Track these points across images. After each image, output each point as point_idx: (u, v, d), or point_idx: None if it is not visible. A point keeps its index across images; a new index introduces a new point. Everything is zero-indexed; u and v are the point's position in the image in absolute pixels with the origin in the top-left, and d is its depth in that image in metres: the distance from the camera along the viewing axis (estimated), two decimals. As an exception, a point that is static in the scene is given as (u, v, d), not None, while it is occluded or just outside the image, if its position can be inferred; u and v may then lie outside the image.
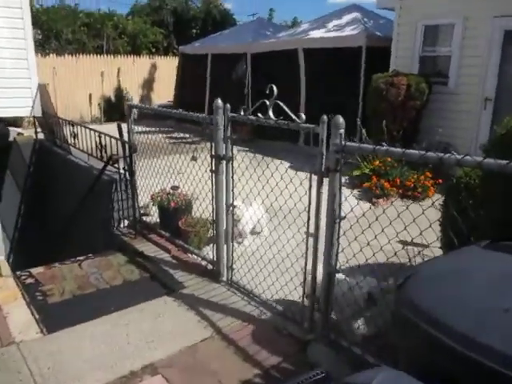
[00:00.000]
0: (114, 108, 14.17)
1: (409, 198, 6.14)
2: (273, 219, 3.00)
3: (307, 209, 2.99)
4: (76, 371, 2.89)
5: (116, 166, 5.02)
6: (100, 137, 5.43)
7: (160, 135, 7.66)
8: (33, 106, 7.18)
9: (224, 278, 3.98)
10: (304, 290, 3.16)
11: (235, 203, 4.31)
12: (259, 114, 3.23)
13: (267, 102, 3.11)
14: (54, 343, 3.17)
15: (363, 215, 3.87)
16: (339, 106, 8.56)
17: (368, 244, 2.77)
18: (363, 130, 7.19)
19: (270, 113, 3.13)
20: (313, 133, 2.85)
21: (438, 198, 3.67)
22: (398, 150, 2.36)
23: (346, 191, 2.45)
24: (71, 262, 4.34)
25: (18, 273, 4.29)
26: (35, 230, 7.25)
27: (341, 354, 2.94)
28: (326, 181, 2.79)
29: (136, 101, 15.50)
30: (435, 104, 7.60)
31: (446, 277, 1.68)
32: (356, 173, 6.78)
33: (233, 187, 3.70)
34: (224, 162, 3.64)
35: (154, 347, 3.13)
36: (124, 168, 4.86)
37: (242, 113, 3.38)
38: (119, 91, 15.02)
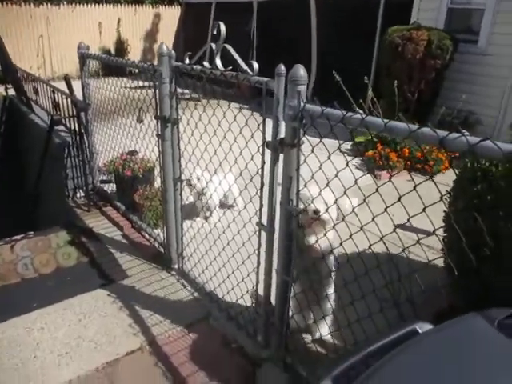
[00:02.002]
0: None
1: (418, 171, 5.27)
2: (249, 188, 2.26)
3: (259, 193, 2.21)
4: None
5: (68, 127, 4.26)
6: (54, 93, 4.65)
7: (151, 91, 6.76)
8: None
9: (175, 266, 3.27)
10: (257, 297, 2.41)
11: (197, 172, 3.55)
12: (205, 64, 2.40)
13: (213, 46, 2.27)
14: None
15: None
16: (351, 63, 7.71)
17: (361, 229, 1.87)
18: (369, 91, 6.21)
19: (218, 61, 2.29)
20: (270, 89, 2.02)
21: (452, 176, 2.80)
22: (378, 120, 1.52)
23: (343, 159, 1.60)
24: (4, 243, 3.67)
25: None
26: (4, 194, 6.63)
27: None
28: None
29: (138, 54, 14.59)
30: (460, 65, 6.54)
31: None
32: (360, 139, 5.89)
33: (180, 156, 2.91)
34: (169, 125, 2.84)
35: (66, 363, 2.46)
36: (74, 129, 4.10)
37: (187, 61, 2.55)
38: (120, 43, 14.03)
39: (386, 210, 1.52)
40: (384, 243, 1.71)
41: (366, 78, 6.13)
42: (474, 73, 6.49)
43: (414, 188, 1.41)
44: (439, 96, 6.63)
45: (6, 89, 7.08)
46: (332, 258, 2.20)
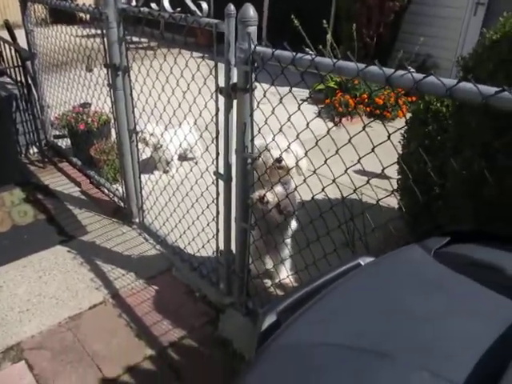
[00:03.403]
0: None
1: (377, 117, 5.32)
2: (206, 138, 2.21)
3: (214, 142, 2.17)
4: None
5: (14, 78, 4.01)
6: (-6, 41, 4.33)
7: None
8: None
9: (136, 220, 3.24)
10: (217, 246, 2.43)
11: (148, 128, 3.45)
12: (153, 5, 2.27)
13: (158, -15, 2.14)
14: None
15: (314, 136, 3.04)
16: (309, 5, 7.48)
17: (314, 172, 1.85)
18: (328, 36, 6.11)
19: (166, 2, 2.17)
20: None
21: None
22: (327, 60, 1.50)
23: (307, 107, 1.57)
24: (-46, 201, 3.52)
25: None
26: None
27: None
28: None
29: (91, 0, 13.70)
30: (418, 7, 6.47)
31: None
32: (319, 87, 5.84)
33: (133, 107, 2.81)
34: (120, 73, 2.71)
35: (28, 319, 2.44)
36: (20, 81, 3.87)
37: (134, 2, 2.40)
38: (67, -12, 13.11)
39: (337, 152, 1.53)
40: (338, 186, 1.74)
41: (324, 21, 6.01)
42: (433, 15, 6.45)
43: (364, 128, 1.41)
44: (398, 40, 6.61)
45: None
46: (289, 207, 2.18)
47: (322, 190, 1.68)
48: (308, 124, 1.65)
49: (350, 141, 1.49)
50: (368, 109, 5.37)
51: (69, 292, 2.64)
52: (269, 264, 2.41)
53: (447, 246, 0.96)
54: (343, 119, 5.22)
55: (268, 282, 2.38)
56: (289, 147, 1.90)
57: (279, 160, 2.07)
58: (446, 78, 1.19)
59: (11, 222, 3.28)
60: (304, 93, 3.05)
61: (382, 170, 1.44)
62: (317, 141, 1.58)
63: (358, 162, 1.50)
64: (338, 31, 6.72)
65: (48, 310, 2.52)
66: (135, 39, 3.47)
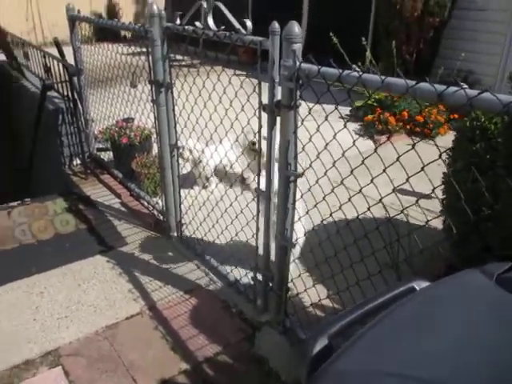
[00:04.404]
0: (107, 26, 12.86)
1: (417, 135, 5.21)
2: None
3: (256, 158, 2.18)
4: (-42, 358, 2.29)
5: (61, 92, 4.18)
6: (45, 57, 4.53)
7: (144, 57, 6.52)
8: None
9: (174, 234, 3.27)
10: (256, 263, 2.42)
11: (190, 144, 3.49)
12: (197, 24, 2.32)
13: (204, 5, 2.18)
14: None
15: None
16: (347, 23, 7.48)
17: (360, 191, 1.78)
18: (368, 53, 6.07)
19: (210, 20, 2.21)
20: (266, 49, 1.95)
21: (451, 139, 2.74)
22: (375, 77, 1.48)
23: (341, 125, 1.56)
24: (1, 209, 3.66)
25: None
26: (3, 165, 6.57)
27: (297, 347, 2.26)
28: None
29: (130, 18, 14.16)
30: (459, 22, 6.34)
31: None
32: (358, 103, 5.79)
33: (175, 123, 2.86)
34: (163, 89, 2.77)
35: (66, 326, 2.49)
36: (67, 95, 4.02)
37: (178, 21, 2.46)
38: (111, 7, 13.61)
39: (384, 171, 1.50)
40: (384, 207, 1.70)
41: (363, 39, 5.98)
42: (473, 29, 6.31)
43: (413, 147, 1.38)
44: (438, 56, 6.49)
45: (-4, 53, 6.89)
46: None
47: (368, 209, 1.64)
48: (354, 142, 1.62)
49: (398, 159, 1.46)
50: (408, 126, 5.27)
51: (106, 301, 2.68)
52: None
53: (509, 271, 0.91)
54: (383, 137, 5.14)
55: (307, 301, 2.34)
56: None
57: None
58: (501, 95, 1.15)
59: (54, 230, 3.38)
60: (342, 110, 3.02)
61: (433, 190, 1.40)
62: (364, 158, 1.55)
63: (407, 181, 1.46)
64: (376, 48, 6.68)
65: (86, 317, 2.56)
66: (179, 57, 3.55)
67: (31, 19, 12.62)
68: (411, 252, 1.71)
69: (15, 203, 3.77)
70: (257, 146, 2.22)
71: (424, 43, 6.23)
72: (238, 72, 2.42)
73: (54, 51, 4.56)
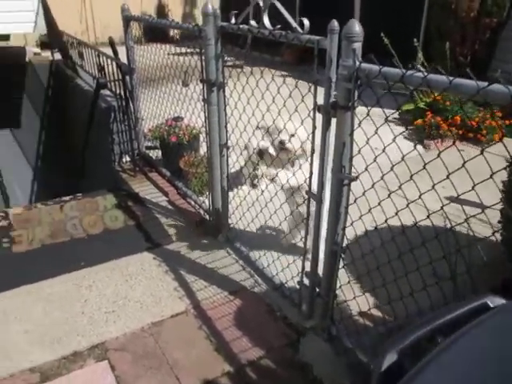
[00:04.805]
0: (157, 27, 13.14)
1: (470, 141, 4.99)
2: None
3: (309, 160, 2.13)
4: (11, 345, 2.37)
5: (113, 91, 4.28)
6: (99, 56, 4.66)
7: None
8: (36, 22, 6.41)
9: (221, 234, 3.27)
10: (303, 267, 2.37)
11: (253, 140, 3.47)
12: (252, 22, 2.30)
13: (261, 3, 2.16)
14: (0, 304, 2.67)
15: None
16: (398, 24, 7.28)
17: (412, 201, 1.68)
18: (419, 54, 5.88)
19: (265, 20, 2.18)
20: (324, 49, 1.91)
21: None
22: (442, 77, 1.41)
23: (391, 129, 1.53)
24: (54, 203, 3.78)
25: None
26: (56, 160, 6.82)
27: (343, 355, 2.20)
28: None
29: (178, 19, 14.42)
30: (518, 23, 6.06)
31: None
32: (407, 107, 5.62)
33: (226, 123, 2.86)
34: (215, 88, 2.78)
35: (113, 320, 2.54)
36: (120, 94, 4.11)
37: (233, 20, 2.45)
38: (160, 8, 13.90)
39: (433, 187, 1.43)
40: (447, 216, 1.62)
41: (415, 40, 5.80)
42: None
43: (481, 152, 1.30)
44: (495, 58, 6.21)
45: (53, 53, 7.17)
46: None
47: (428, 217, 1.57)
48: (415, 146, 1.55)
49: (464, 165, 1.38)
50: (461, 131, 5.06)
51: (152, 298, 2.71)
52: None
53: None
54: (433, 142, 4.96)
55: (354, 309, 2.27)
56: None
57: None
58: None
59: (103, 226, 3.46)
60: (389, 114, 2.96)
61: (501, 200, 1.31)
62: (425, 163, 1.48)
63: (473, 189, 1.37)
64: (428, 49, 6.47)
65: (132, 313, 2.59)
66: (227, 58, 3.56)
67: (84, 21, 13.08)
68: (471, 264, 1.62)
69: (67, 198, 3.89)
70: (289, 145, 2.38)
71: (480, 45, 5.99)
72: (283, 73, 2.41)
73: (106, 51, 4.69)
